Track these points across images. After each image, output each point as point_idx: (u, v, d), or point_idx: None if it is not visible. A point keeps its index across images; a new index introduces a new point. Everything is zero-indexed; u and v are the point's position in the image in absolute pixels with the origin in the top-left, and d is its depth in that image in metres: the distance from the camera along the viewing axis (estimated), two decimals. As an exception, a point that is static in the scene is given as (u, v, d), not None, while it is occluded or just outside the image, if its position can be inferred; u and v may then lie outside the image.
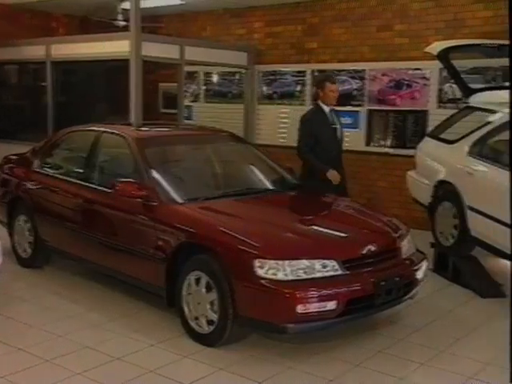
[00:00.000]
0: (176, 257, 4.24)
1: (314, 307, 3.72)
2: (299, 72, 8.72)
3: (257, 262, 3.77)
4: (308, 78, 8.63)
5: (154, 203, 4.48)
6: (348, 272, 3.91)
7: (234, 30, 9.28)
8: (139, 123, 6.88)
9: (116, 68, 8.14)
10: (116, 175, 4.91)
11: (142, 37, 7.38)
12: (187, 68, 8.67)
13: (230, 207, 4.51)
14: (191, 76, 9.70)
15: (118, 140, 5.14)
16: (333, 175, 5.69)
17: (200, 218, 4.28)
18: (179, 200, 4.50)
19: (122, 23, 8.94)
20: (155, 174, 4.69)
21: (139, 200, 4.53)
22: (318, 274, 3.82)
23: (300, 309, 3.69)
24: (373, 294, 3.96)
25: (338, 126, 5.86)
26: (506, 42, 6.23)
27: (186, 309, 4.21)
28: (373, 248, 4.12)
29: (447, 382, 3.72)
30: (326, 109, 5.76)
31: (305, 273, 3.79)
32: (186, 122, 8.98)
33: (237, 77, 9.46)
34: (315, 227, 4.41)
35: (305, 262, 3.81)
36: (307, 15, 8.54)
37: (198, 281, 4.11)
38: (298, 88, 8.76)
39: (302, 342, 4.16)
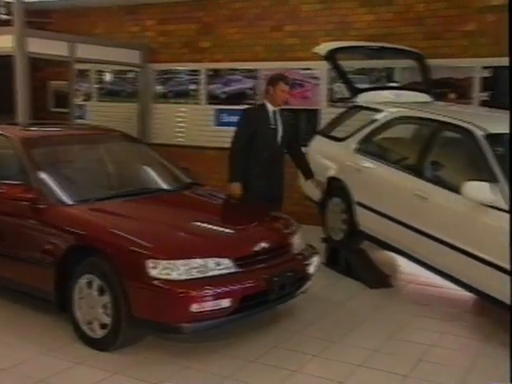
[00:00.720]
0: (66, 260, 4.11)
1: (208, 306, 3.74)
2: (193, 71, 8.72)
3: (149, 263, 3.74)
4: (202, 78, 8.65)
5: (42, 206, 4.33)
6: (241, 269, 3.96)
7: (126, 27, 9.12)
8: (26, 123, 6.60)
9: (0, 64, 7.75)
10: (1, 177, 4.68)
11: (26, 32, 7.08)
12: (79, 66, 8.42)
13: (121, 208, 4.44)
14: (83, 74, 9.42)
15: (2, 140, 4.91)
16: (233, 188, 5.29)
17: (90, 219, 4.18)
18: (68, 202, 4.37)
19: (5, 17, 8.51)
20: (43, 176, 4.53)
21: (26, 203, 4.35)
22: (212, 273, 3.84)
23: (195, 308, 3.70)
24: (266, 290, 4.03)
25: (278, 129, 5.39)
26: (387, 45, 6.63)
27: (78, 314, 4.10)
28: (265, 245, 4.21)
29: (338, 370, 3.85)
30: (270, 109, 5.38)
31: (199, 272, 3.80)
32: (78, 121, 8.70)
33: (130, 75, 9.30)
34: (208, 226, 4.43)
35: (198, 261, 3.82)
36: (200, 14, 8.55)
37: (89, 284, 4.02)
38: (193, 87, 8.76)
39: (199, 341, 4.17)
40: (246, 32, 8.22)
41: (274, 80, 5.42)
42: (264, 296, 4.05)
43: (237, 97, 8.39)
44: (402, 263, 5.96)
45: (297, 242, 4.51)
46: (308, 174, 5.77)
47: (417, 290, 5.49)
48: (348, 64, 6.68)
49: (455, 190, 4.51)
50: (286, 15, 7.93)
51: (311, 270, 4.54)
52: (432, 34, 6.98)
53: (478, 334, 4.47)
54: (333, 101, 7.69)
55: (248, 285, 3.93)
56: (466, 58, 6.81)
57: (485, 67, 6.75)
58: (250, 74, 8.24)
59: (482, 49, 6.73)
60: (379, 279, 5.60)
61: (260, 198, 5.29)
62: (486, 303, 4.57)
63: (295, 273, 4.30)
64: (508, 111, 5.89)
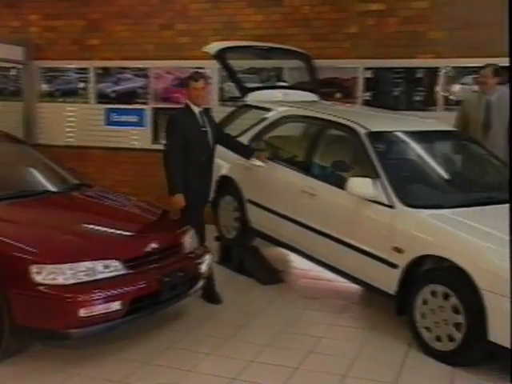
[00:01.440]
0: None
1: (97, 309, 3.66)
2: (82, 69, 8.45)
3: (34, 268, 3.60)
4: (92, 76, 8.40)
5: None
6: (131, 271, 3.91)
7: (6, 21, 8.64)
8: None
9: None
10: None
11: None
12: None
13: (2, 211, 4.21)
14: (-40, 71, 8.88)
15: None
16: (177, 201, 4.91)
17: (-33, 225, 3.95)
18: None
19: None
20: None
21: None
22: (101, 276, 3.77)
23: (83, 312, 3.61)
24: (158, 290, 4.01)
25: (208, 129, 5.14)
26: (275, 45, 6.77)
27: (-47, 326, 3.86)
28: (155, 245, 4.17)
29: (230, 367, 3.88)
30: (196, 109, 5.12)
31: (86, 275, 3.71)
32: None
33: (13, 72, 8.86)
34: (96, 228, 4.33)
35: (86, 264, 3.73)
36: (87, 10, 8.28)
37: (-33, 294, 3.79)
38: (82, 85, 8.49)
39: (89, 347, 4.05)
40: (135, 30, 8.07)
41: (186, 81, 5.25)
42: (156, 297, 4.02)
43: (127, 96, 8.23)
44: (294, 259, 6.10)
45: (188, 241, 4.51)
46: (248, 153, 5.59)
47: (308, 285, 5.65)
48: (238, 63, 6.74)
49: (341, 186, 4.68)
50: (176, 14, 7.88)
51: (203, 269, 4.55)
52: (318, 35, 7.20)
53: (365, 324, 4.67)
54: (224, 100, 7.73)
55: (139, 286, 3.89)
56: (350, 59, 7.09)
57: (367, 68, 7.07)
58: (141, 72, 8.11)
59: (364, 50, 7.03)
60: (271, 275, 5.70)
61: (199, 201, 5.11)
62: (372, 294, 4.78)
63: (187, 272, 4.30)
64: (390, 111, 6.27)
